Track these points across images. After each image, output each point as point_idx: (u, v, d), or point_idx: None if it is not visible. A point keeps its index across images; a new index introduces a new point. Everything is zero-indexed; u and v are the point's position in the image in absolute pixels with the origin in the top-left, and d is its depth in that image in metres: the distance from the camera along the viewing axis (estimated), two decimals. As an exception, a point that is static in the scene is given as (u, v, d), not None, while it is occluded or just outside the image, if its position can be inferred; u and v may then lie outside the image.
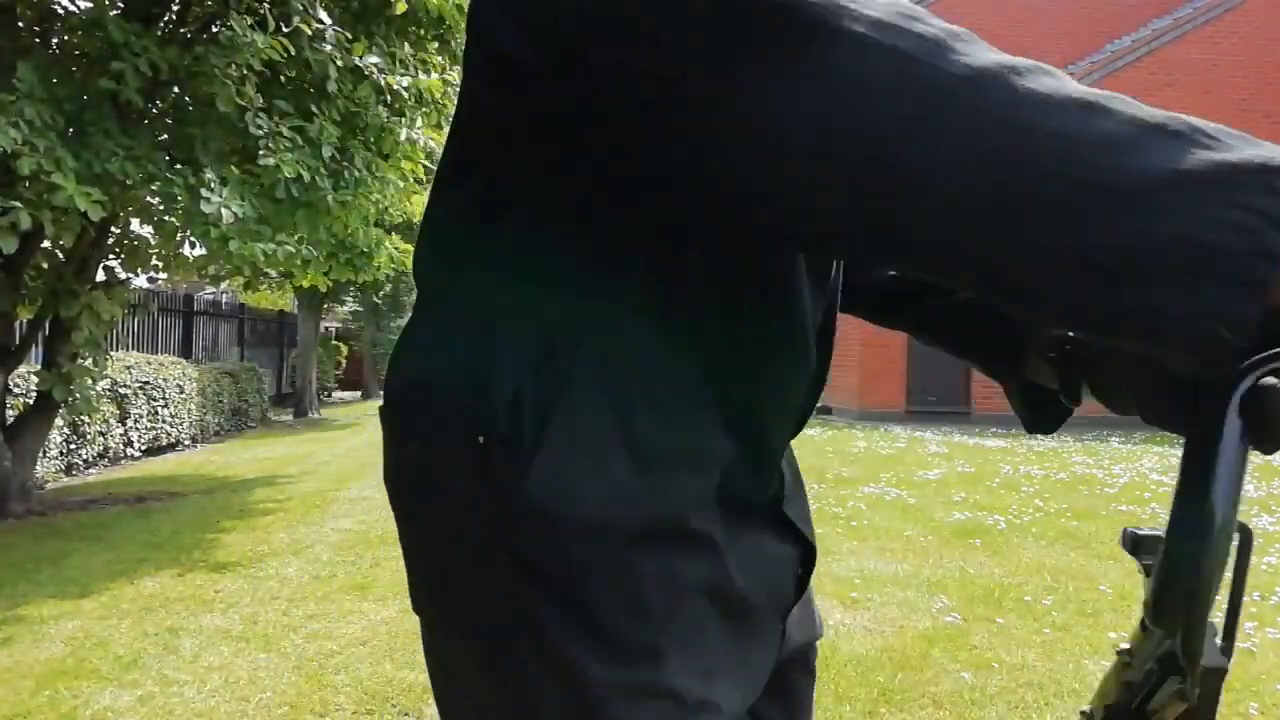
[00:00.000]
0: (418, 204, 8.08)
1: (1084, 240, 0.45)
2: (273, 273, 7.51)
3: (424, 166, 6.82)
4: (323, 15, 5.15)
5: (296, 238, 5.76)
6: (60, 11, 5.36)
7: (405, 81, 5.64)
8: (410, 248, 7.99)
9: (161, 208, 5.42)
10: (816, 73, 0.48)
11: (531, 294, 0.65)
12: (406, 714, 2.70)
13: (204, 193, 4.72)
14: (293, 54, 4.96)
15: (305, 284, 7.51)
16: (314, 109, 5.21)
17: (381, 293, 18.58)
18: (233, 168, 5.06)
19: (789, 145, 0.49)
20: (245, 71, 4.77)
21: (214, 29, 4.77)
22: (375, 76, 5.41)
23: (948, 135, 0.46)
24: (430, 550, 0.69)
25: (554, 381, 0.63)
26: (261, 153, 4.94)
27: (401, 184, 6.86)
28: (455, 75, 6.48)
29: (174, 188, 4.77)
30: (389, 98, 5.60)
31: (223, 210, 4.71)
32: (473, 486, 0.63)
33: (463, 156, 0.70)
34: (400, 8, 5.81)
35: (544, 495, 0.61)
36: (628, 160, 0.61)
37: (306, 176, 5.11)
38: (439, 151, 6.99)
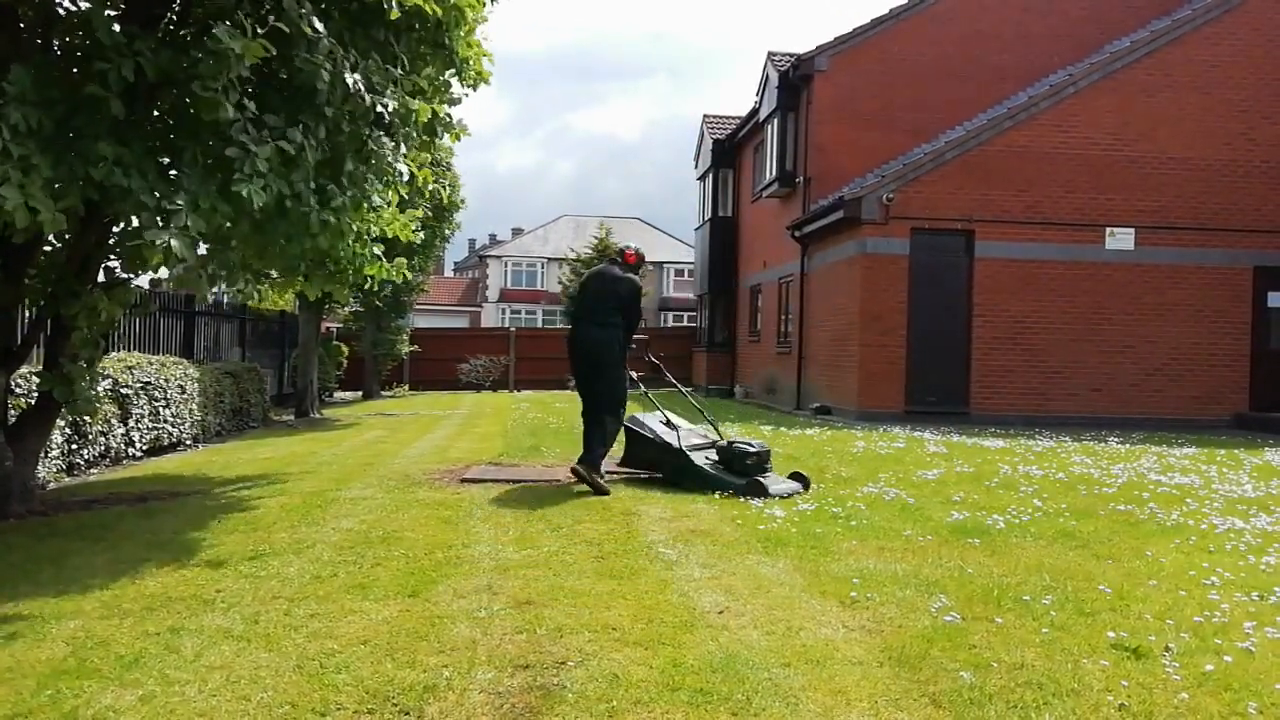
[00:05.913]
0: (404, 224, 8.16)
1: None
2: (273, 273, 7.53)
3: (400, 195, 6.97)
4: (317, 24, 5.09)
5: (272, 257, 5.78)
6: (61, 14, 5.34)
7: (391, 105, 5.59)
8: (403, 261, 8.50)
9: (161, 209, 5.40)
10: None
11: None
12: (407, 713, 2.71)
13: (159, 220, 4.63)
14: (274, 54, 4.89)
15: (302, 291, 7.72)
16: (301, 121, 5.17)
17: (382, 294, 18.58)
18: (214, 189, 4.98)
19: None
20: (230, 80, 4.66)
21: (215, 31, 4.69)
22: (359, 93, 5.36)
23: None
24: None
25: None
26: (236, 176, 4.83)
27: (387, 205, 6.93)
28: (439, 103, 6.58)
29: (146, 199, 4.69)
30: (379, 116, 5.58)
31: (172, 242, 4.61)
32: None
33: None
34: (393, 14, 5.78)
35: None
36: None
37: (290, 190, 5.11)
38: (420, 180, 7.27)
